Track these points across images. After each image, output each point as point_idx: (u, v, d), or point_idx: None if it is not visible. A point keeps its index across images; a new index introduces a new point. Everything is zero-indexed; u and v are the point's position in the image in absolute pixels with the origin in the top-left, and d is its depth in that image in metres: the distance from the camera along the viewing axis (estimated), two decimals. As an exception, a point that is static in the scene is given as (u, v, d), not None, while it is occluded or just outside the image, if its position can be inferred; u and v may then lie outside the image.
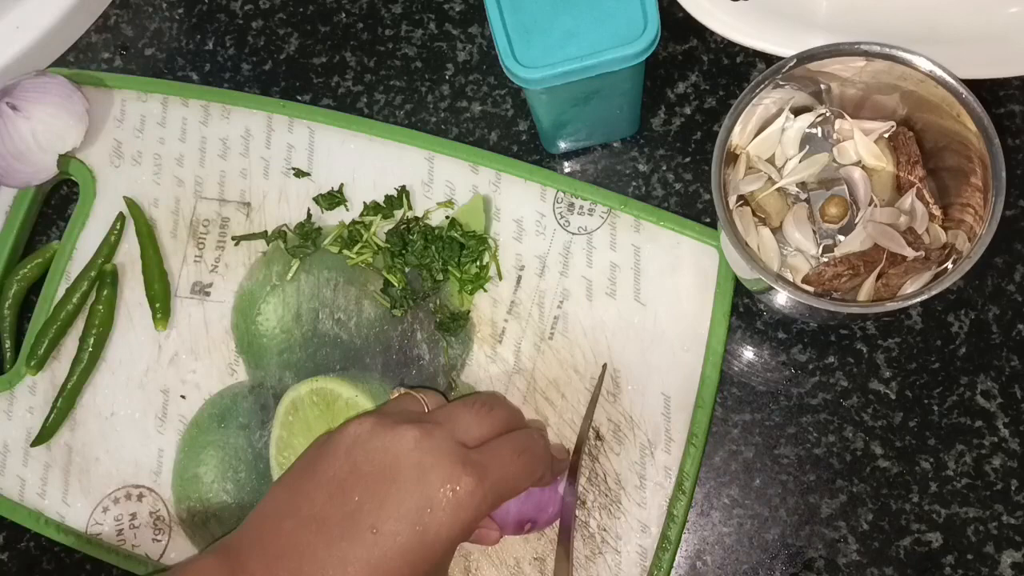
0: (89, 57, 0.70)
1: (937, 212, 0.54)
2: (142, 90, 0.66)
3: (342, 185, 0.63)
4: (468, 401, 0.53)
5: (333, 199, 0.63)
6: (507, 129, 0.66)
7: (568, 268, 0.61)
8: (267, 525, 0.49)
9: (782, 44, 0.59)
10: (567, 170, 0.64)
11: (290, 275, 0.62)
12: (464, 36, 0.67)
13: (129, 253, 0.64)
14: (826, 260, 0.53)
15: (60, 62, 0.70)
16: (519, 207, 0.62)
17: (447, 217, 0.62)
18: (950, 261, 0.51)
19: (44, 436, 0.61)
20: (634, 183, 0.64)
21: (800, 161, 0.55)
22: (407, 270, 0.61)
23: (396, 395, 0.55)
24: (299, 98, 0.67)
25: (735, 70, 0.65)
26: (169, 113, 0.66)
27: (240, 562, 0.48)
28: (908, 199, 0.53)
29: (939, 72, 0.50)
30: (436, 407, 0.54)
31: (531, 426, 0.55)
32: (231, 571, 0.48)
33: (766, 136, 0.55)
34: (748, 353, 0.60)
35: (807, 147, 0.55)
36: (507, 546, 0.57)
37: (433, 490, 0.47)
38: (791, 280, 0.53)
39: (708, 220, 0.62)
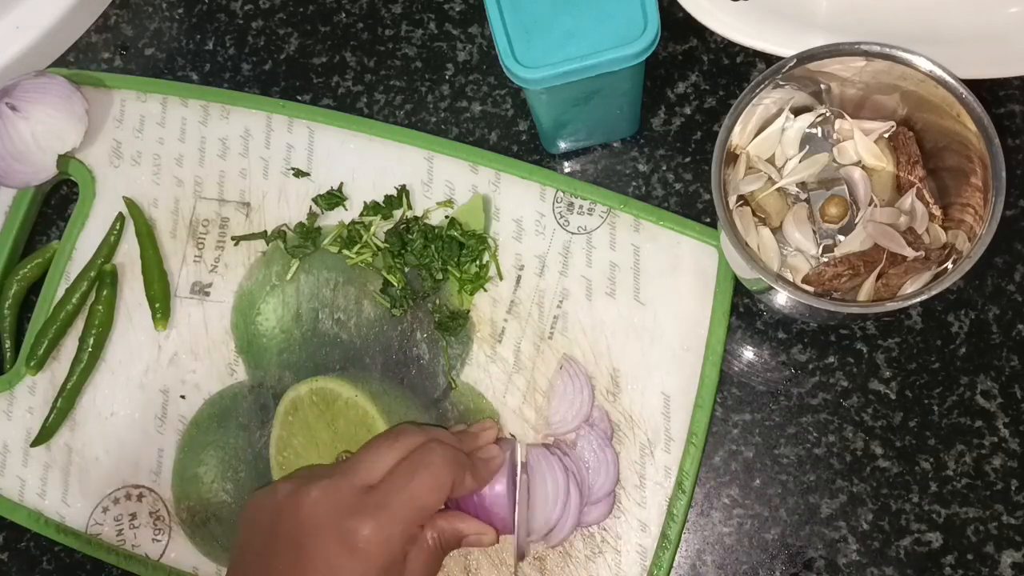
0: (89, 57, 0.70)
1: (937, 212, 0.54)
2: (142, 90, 0.66)
3: (342, 185, 0.63)
4: (374, 439, 0.54)
5: (333, 199, 0.63)
6: (507, 129, 0.66)
7: (568, 268, 0.61)
8: None
9: (782, 44, 0.59)
10: (567, 170, 0.64)
11: (290, 275, 0.62)
12: (464, 36, 0.67)
13: (129, 253, 0.64)
14: (826, 260, 0.53)
15: (60, 62, 0.70)
16: (519, 207, 0.62)
17: (447, 217, 0.62)
18: (950, 261, 0.51)
19: (44, 436, 0.61)
20: (634, 183, 0.64)
21: (800, 161, 0.55)
22: (407, 270, 0.61)
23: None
24: (299, 98, 0.67)
25: (735, 70, 0.65)
26: (168, 113, 0.66)
27: None
28: (908, 199, 0.53)
29: (939, 72, 0.50)
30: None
31: (430, 438, 0.53)
32: None
33: (766, 136, 0.55)
34: (748, 353, 0.60)
35: (807, 147, 0.55)
36: (507, 546, 0.57)
37: (333, 549, 0.48)
38: (791, 280, 0.53)
39: (708, 220, 0.62)
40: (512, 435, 0.58)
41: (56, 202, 0.68)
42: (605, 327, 0.59)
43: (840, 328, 0.60)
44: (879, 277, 0.52)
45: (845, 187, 0.54)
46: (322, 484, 0.50)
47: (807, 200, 0.55)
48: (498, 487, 0.53)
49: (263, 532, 0.50)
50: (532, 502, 0.55)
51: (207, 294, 0.63)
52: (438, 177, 0.63)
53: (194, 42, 0.69)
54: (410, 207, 0.62)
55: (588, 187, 0.61)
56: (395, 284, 0.60)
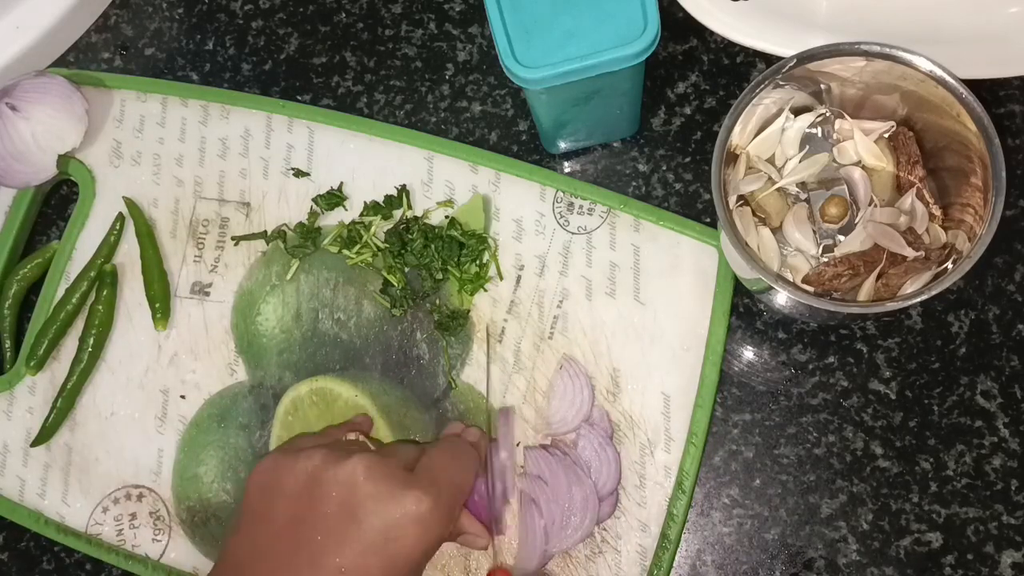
0: (89, 57, 0.70)
1: (937, 212, 0.54)
2: (142, 90, 0.66)
3: (341, 185, 0.63)
4: (404, 440, 0.56)
5: (333, 199, 0.63)
6: (507, 129, 0.66)
7: (568, 268, 0.61)
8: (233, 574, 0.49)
9: (782, 44, 0.59)
10: (567, 170, 0.64)
11: (290, 275, 0.62)
12: (464, 36, 0.67)
13: (129, 253, 0.64)
14: (826, 260, 0.53)
15: (60, 62, 0.70)
16: (519, 207, 0.62)
17: (447, 217, 0.62)
18: (950, 261, 0.51)
19: (44, 436, 0.61)
20: (634, 183, 0.64)
21: (800, 161, 0.55)
22: (407, 270, 0.61)
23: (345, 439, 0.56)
24: (299, 98, 0.67)
25: (735, 70, 0.65)
26: (168, 113, 0.66)
27: None
28: (908, 199, 0.53)
29: (939, 72, 0.50)
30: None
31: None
32: None
33: (766, 136, 0.55)
34: (748, 353, 0.60)
35: (807, 147, 0.55)
36: (508, 548, 0.57)
37: (395, 518, 0.48)
38: (791, 280, 0.53)
39: (708, 220, 0.62)
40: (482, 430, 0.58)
41: (56, 202, 0.68)
42: (605, 327, 0.59)
43: (840, 328, 0.60)
44: (879, 277, 0.52)
45: (845, 187, 0.54)
46: (365, 457, 0.49)
47: (807, 200, 0.55)
48: (479, 488, 0.56)
49: (295, 497, 0.49)
50: (552, 512, 0.56)
51: (207, 294, 0.63)
52: (438, 177, 0.63)
53: (194, 42, 0.69)
54: (410, 207, 0.62)
55: (588, 187, 0.61)
56: (395, 284, 0.60)
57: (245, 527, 0.50)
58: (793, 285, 0.50)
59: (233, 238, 0.63)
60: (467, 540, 0.55)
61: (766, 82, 0.51)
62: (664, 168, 0.64)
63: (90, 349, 0.61)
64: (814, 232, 0.54)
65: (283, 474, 0.50)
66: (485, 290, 0.61)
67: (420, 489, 0.48)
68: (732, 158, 0.55)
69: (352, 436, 0.54)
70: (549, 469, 0.56)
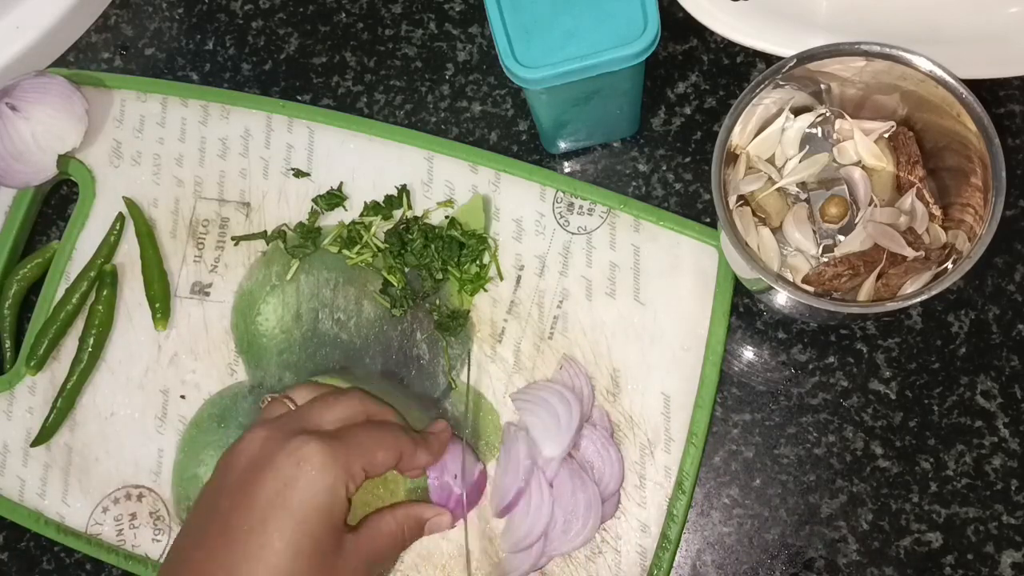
0: (89, 57, 0.70)
1: (937, 212, 0.54)
2: (142, 90, 0.66)
3: (341, 185, 0.63)
4: (321, 393, 0.55)
5: (333, 199, 0.63)
6: (507, 129, 0.66)
7: (568, 268, 0.61)
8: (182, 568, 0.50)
9: (782, 44, 0.59)
10: (567, 170, 0.64)
11: (290, 275, 0.62)
12: (464, 36, 0.67)
13: (129, 253, 0.64)
14: (826, 260, 0.53)
15: (60, 62, 0.70)
16: (519, 207, 0.62)
17: (447, 217, 0.62)
18: (950, 261, 0.51)
19: (44, 436, 0.61)
20: (634, 183, 0.64)
21: (800, 161, 0.55)
22: (407, 270, 0.61)
23: (265, 403, 0.56)
24: (299, 98, 0.67)
25: (735, 70, 0.65)
26: (168, 113, 0.66)
27: None
28: (908, 199, 0.53)
29: (939, 72, 0.50)
30: (305, 401, 0.55)
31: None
32: None
33: (766, 136, 0.55)
34: (748, 353, 0.60)
35: (807, 147, 0.55)
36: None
37: (285, 469, 0.48)
38: (791, 280, 0.53)
39: (708, 220, 0.62)
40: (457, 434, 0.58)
41: (56, 202, 0.68)
42: (605, 327, 0.59)
43: (840, 328, 0.60)
44: (879, 277, 0.52)
45: (845, 187, 0.54)
46: (264, 425, 0.51)
47: (807, 200, 0.55)
48: (451, 468, 0.56)
49: (211, 490, 0.51)
50: (555, 514, 0.56)
51: (207, 294, 0.63)
52: (438, 177, 0.63)
53: (194, 42, 0.69)
54: (410, 207, 0.62)
55: (588, 187, 0.61)
56: (395, 284, 0.60)
57: (186, 524, 0.52)
58: (793, 285, 0.50)
59: (233, 238, 0.63)
60: (434, 524, 0.55)
61: (766, 82, 0.51)
62: (664, 168, 0.64)
63: (90, 349, 0.61)
64: (814, 232, 0.54)
65: (215, 469, 0.52)
66: (485, 290, 0.61)
67: (312, 441, 0.49)
68: (732, 158, 0.55)
69: (266, 401, 0.56)
70: (555, 474, 0.56)
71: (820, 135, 0.56)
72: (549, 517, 0.55)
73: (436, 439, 0.56)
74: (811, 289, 0.52)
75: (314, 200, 0.63)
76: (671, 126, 0.64)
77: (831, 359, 0.60)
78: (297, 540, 0.47)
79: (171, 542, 0.59)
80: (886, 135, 0.55)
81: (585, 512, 0.55)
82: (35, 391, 0.62)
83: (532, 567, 0.56)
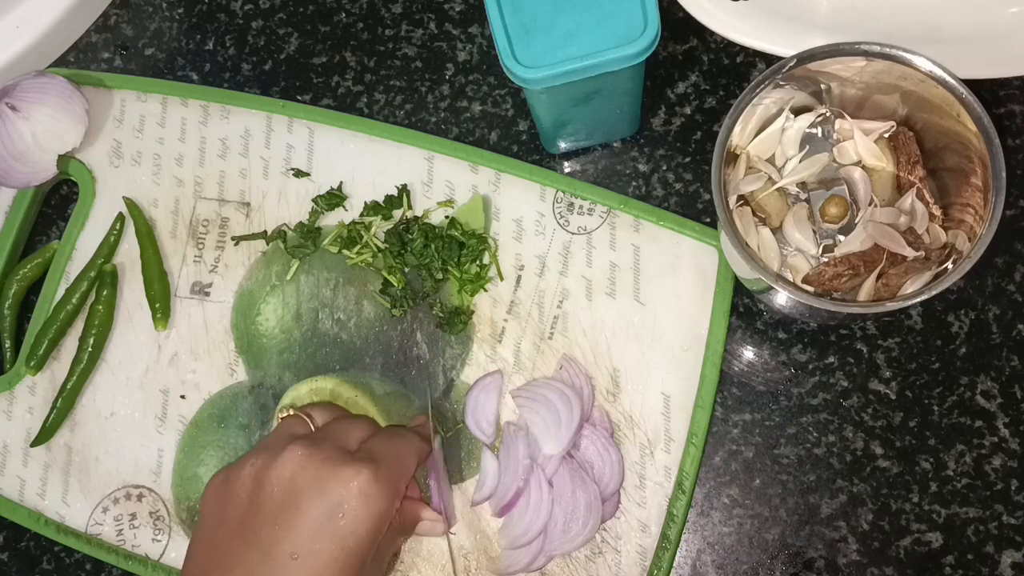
0: (89, 57, 0.70)
1: (937, 212, 0.54)
2: (142, 90, 0.66)
3: (341, 185, 0.63)
4: (337, 416, 0.56)
5: (333, 199, 0.63)
6: (507, 129, 0.66)
7: (568, 268, 0.61)
8: None
9: (782, 44, 0.59)
10: (567, 170, 0.64)
11: (290, 275, 0.62)
12: (464, 36, 0.67)
13: (129, 253, 0.64)
14: (826, 260, 0.53)
15: (60, 62, 0.70)
16: (519, 207, 0.62)
17: (447, 217, 0.62)
18: (950, 261, 0.51)
19: (44, 436, 0.61)
20: (634, 183, 0.64)
21: (800, 161, 0.55)
22: (407, 270, 0.61)
23: (281, 417, 0.55)
24: (299, 98, 0.67)
25: (735, 70, 0.65)
26: (169, 113, 0.66)
27: None
28: (908, 199, 0.53)
29: (939, 72, 0.50)
30: (324, 421, 0.55)
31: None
32: None
33: (766, 136, 0.55)
34: (748, 353, 0.60)
35: (807, 147, 0.55)
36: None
37: (337, 496, 0.48)
38: (791, 280, 0.53)
39: (708, 220, 0.62)
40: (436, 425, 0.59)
41: (56, 202, 0.68)
42: (605, 327, 0.59)
43: (840, 328, 0.60)
44: (879, 277, 0.52)
45: (845, 187, 0.54)
46: (299, 445, 0.50)
47: (807, 200, 0.55)
48: (432, 480, 0.56)
49: (242, 500, 0.49)
50: (555, 513, 0.56)
51: (207, 294, 0.63)
52: (438, 177, 0.63)
53: (194, 42, 0.69)
54: (410, 207, 0.62)
55: (588, 187, 0.61)
56: (395, 284, 0.60)
57: (201, 533, 0.51)
58: (793, 285, 0.50)
59: (233, 238, 0.63)
60: (424, 528, 0.55)
61: (766, 82, 0.51)
62: (664, 168, 0.64)
63: (90, 349, 0.61)
64: (814, 232, 0.54)
65: (231, 481, 0.50)
66: (485, 290, 0.61)
67: (357, 463, 0.49)
68: (732, 158, 0.55)
69: (283, 414, 0.55)
70: (555, 472, 0.56)
71: (820, 135, 0.56)
72: (548, 515, 0.55)
73: (424, 430, 0.56)
74: (811, 289, 0.52)
75: (314, 200, 0.63)
76: (671, 126, 0.64)
77: (831, 359, 0.60)
78: (345, 568, 0.47)
79: (170, 542, 0.59)
80: (886, 135, 0.55)
81: (585, 512, 0.55)
82: (35, 391, 0.62)
83: (529, 564, 0.56)
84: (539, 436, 0.56)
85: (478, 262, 0.61)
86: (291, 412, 0.55)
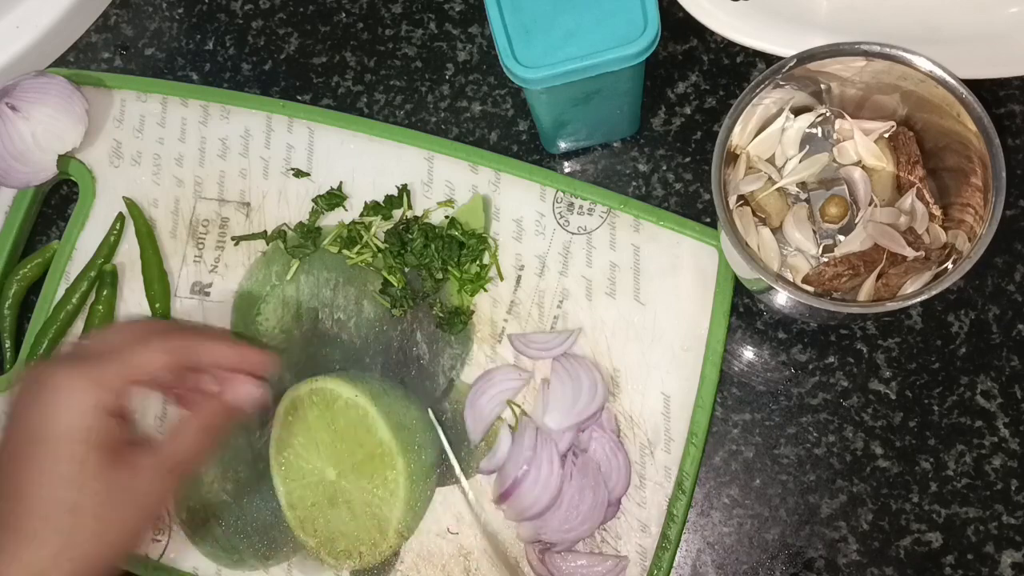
0: (89, 57, 0.70)
1: (937, 212, 0.54)
2: (142, 90, 0.66)
3: (341, 185, 0.63)
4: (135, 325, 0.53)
5: (333, 199, 0.63)
6: (507, 129, 0.66)
7: (568, 268, 0.61)
8: None
9: (782, 44, 0.59)
10: (567, 170, 0.64)
11: (290, 275, 0.62)
12: (464, 36, 0.67)
13: (129, 253, 0.64)
14: (826, 260, 0.53)
15: (60, 62, 0.70)
16: (519, 207, 0.62)
17: (447, 217, 0.62)
18: (950, 261, 0.51)
19: (44, 436, 0.61)
20: (634, 183, 0.64)
21: (800, 161, 0.55)
22: (407, 270, 0.61)
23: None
24: (299, 98, 0.67)
25: (735, 70, 0.65)
26: (169, 113, 0.66)
27: None
28: (908, 199, 0.53)
29: (939, 72, 0.50)
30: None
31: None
32: None
33: (766, 136, 0.55)
34: (748, 353, 0.60)
35: (807, 147, 0.55)
36: (507, 547, 0.57)
37: (42, 401, 0.46)
38: (791, 280, 0.53)
39: (708, 220, 0.62)
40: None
41: (56, 202, 0.67)
42: (605, 327, 0.59)
43: (840, 328, 0.60)
44: (879, 277, 0.52)
45: (845, 187, 0.54)
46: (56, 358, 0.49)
47: (807, 200, 0.55)
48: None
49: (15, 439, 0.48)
50: (563, 499, 0.56)
51: (207, 294, 0.63)
52: (438, 177, 0.63)
53: (194, 42, 0.69)
54: (410, 207, 0.62)
55: (588, 187, 0.61)
56: (395, 284, 0.60)
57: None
58: (793, 285, 0.50)
59: (233, 238, 0.63)
60: (237, 394, 0.52)
61: (766, 82, 0.51)
62: (664, 168, 0.64)
63: (90, 349, 0.61)
64: (814, 232, 0.54)
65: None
66: (485, 290, 0.61)
67: (63, 363, 0.47)
68: (732, 158, 0.55)
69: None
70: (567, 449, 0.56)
71: (820, 135, 0.56)
72: (557, 491, 0.55)
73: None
74: (811, 289, 0.52)
75: (314, 200, 0.63)
76: (671, 126, 0.64)
77: (831, 359, 0.60)
78: (57, 469, 0.45)
79: (170, 542, 0.59)
80: (886, 135, 0.55)
81: (588, 511, 0.55)
82: (35, 391, 0.62)
83: (531, 538, 0.56)
84: (552, 405, 0.56)
85: (478, 262, 0.61)
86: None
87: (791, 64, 0.51)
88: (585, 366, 0.57)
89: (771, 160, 0.55)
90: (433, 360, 0.60)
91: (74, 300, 0.62)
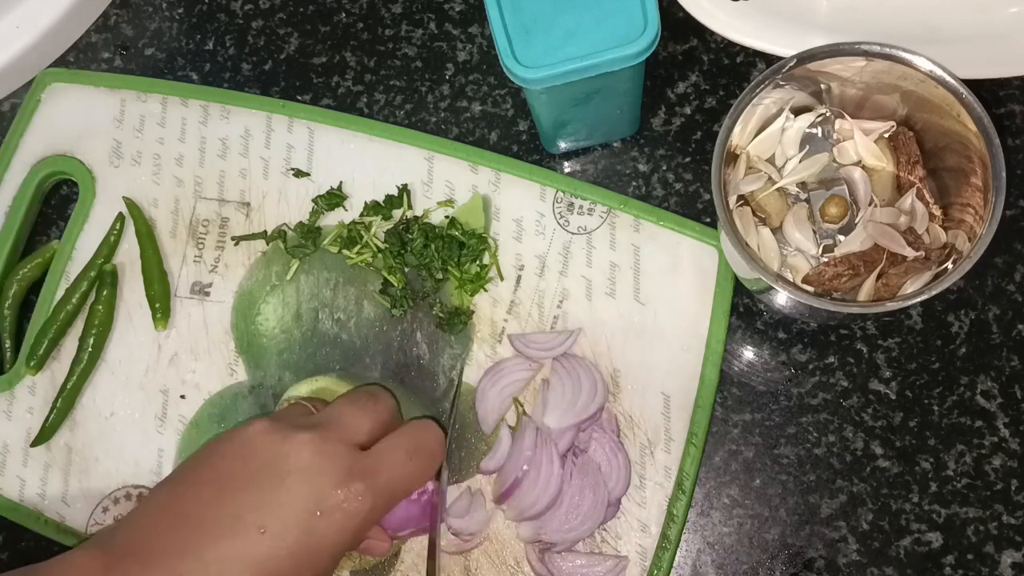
0: (89, 57, 0.70)
1: (937, 212, 0.54)
2: (142, 90, 0.66)
3: (341, 184, 0.63)
4: (351, 397, 0.54)
5: (333, 199, 0.63)
6: (507, 129, 0.66)
7: (568, 268, 0.61)
8: (147, 522, 0.48)
9: (782, 44, 0.59)
10: (567, 170, 0.64)
11: (290, 275, 0.62)
12: (464, 36, 0.67)
13: (129, 253, 0.64)
14: (826, 260, 0.53)
15: (60, 62, 0.70)
16: (519, 207, 0.62)
17: (447, 217, 0.62)
18: (950, 261, 0.51)
19: (44, 436, 0.61)
20: (634, 183, 0.64)
21: (800, 161, 0.55)
22: (407, 270, 0.61)
23: (285, 406, 0.55)
24: (299, 98, 0.67)
25: (735, 70, 0.65)
26: (169, 113, 0.66)
27: (116, 557, 0.46)
28: (908, 199, 0.53)
29: (939, 72, 0.50)
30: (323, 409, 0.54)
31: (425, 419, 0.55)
32: (106, 568, 0.46)
33: (766, 136, 0.55)
34: (748, 353, 0.60)
35: (807, 147, 0.55)
36: (507, 547, 0.57)
37: (323, 494, 0.47)
38: (791, 280, 0.53)
39: (708, 220, 0.62)
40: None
41: (56, 202, 0.68)
42: (605, 327, 0.59)
43: (840, 328, 0.60)
44: (879, 277, 0.52)
45: (845, 187, 0.54)
46: (317, 430, 0.49)
47: (807, 200, 0.55)
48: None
49: (228, 456, 0.48)
50: (563, 499, 0.56)
51: (207, 294, 0.63)
52: (438, 177, 0.63)
53: (194, 42, 0.69)
54: (410, 207, 0.62)
55: (588, 187, 0.61)
56: (395, 284, 0.60)
57: (174, 475, 0.50)
58: (793, 285, 0.50)
59: (233, 238, 0.63)
60: (368, 546, 0.53)
61: (766, 82, 0.51)
62: (664, 168, 0.64)
63: (90, 349, 0.61)
64: (814, 232, 0.54)
65: (225, 436, 0.50)
66: (485, 290, 0.61)
67: (359, 478, 0.48)
68: (732, 158, 0.55)
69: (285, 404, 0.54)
70: (567, 449, 0.56)
71: (820, 135, 0.56)
72: (557, 491, 0.55)
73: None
74: (811, 289, 0.52)
75: (314, 200, 0.63)
76: (671, 126, 0.64)
77: (831, 359, 0.60)
78: (299, 565, 0.46)
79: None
80: (886, 135, 0.55)
81: (588, 511, 0.55)
82: (35, 391, 0.62)
83: (531, 538, 0.56)
84: (551, 404, 0.56)
85: (478, 262, 0.61)
86: (292, 402, 0.54)
87: (791, 64, 0.51)
88: (585, 366, 0.57)
89: (771, 160, 0.55)
90: (433, 360, 0.60)
91: (74, 300, 0.62)
